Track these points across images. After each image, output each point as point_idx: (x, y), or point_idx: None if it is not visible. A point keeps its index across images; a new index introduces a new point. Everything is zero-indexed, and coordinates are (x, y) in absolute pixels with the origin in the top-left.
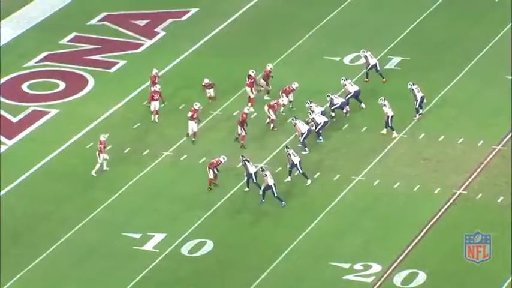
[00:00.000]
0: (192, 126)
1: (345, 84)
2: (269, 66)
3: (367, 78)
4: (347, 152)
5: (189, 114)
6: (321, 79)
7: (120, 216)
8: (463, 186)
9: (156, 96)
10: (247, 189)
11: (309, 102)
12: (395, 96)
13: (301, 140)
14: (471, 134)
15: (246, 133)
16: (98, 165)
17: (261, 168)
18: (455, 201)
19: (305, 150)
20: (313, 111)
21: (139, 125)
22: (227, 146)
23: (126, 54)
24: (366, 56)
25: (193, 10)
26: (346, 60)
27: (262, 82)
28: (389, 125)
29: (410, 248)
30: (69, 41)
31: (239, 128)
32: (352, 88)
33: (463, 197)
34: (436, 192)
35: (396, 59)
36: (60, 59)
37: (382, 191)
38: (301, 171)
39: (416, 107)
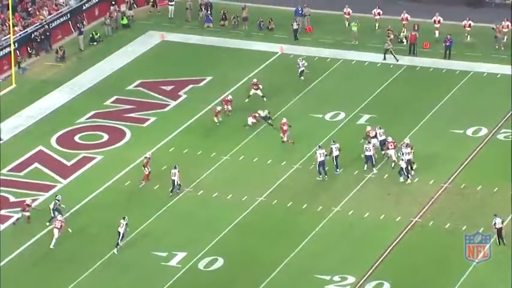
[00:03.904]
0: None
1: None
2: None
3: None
4: (328, 187)
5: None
6: (308, 131)
7: (151, 239)
8: (419, 215)
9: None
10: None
11: (333, 141)
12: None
13: (317, 168)
14: (424, 174)
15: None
16: (54, 240)
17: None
18: (413, 227)
19: (319, 178)
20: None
21: (166, 168)
22: (233, 184)
23: (156, 113)
24: None
25: (209, 78)
26: (327, 117)
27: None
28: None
29: (377, 263)
30: (112, 102)
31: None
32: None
33: (419, 223)
34: (397, 220)
35: (366, 116)
36: (104, 116)
37: (355, 219)
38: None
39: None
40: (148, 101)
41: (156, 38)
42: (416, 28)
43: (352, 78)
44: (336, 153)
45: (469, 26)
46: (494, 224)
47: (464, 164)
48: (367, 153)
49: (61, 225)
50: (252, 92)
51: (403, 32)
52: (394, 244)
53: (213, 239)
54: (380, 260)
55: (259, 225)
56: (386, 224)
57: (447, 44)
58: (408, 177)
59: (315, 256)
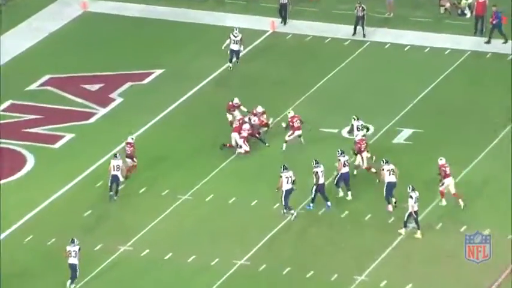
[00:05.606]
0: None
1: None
2: None
3: None
4: (347, 245)
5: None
6: (315, 155)
7: None
8: None
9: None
10: None
11: (315, 161)
12: (403, 178)
13: (282, 199)
14: (499, 225)
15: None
16: None
17: None
18: None
19: (283, 211)
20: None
21: (91, 213)
22: (197, 241)
23: (74, 126)
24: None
25: (158, 72)
26: (345, 132)
27: None
28: (416, 221)
29: None
30: (4, 110)
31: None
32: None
33: None
34: None
35: (406, 131)
36: None
37: None
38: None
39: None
40: (63, 107)
41: (75, 7)
42: None
43: (384, 72)
44: (322, 180)
45: None
46: None
47: None
48: (343, 169)
49: None
50: (230, 117)
51: None
52: None
53: None
54: None
55: (254, 273)
56: None
57: (493, 22)
58: (418, 227)
59: None
